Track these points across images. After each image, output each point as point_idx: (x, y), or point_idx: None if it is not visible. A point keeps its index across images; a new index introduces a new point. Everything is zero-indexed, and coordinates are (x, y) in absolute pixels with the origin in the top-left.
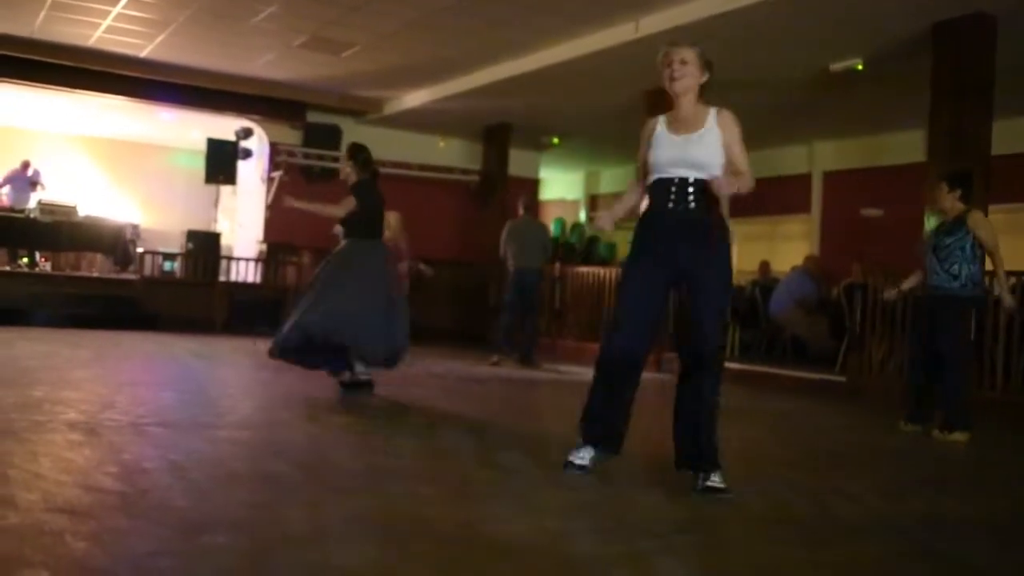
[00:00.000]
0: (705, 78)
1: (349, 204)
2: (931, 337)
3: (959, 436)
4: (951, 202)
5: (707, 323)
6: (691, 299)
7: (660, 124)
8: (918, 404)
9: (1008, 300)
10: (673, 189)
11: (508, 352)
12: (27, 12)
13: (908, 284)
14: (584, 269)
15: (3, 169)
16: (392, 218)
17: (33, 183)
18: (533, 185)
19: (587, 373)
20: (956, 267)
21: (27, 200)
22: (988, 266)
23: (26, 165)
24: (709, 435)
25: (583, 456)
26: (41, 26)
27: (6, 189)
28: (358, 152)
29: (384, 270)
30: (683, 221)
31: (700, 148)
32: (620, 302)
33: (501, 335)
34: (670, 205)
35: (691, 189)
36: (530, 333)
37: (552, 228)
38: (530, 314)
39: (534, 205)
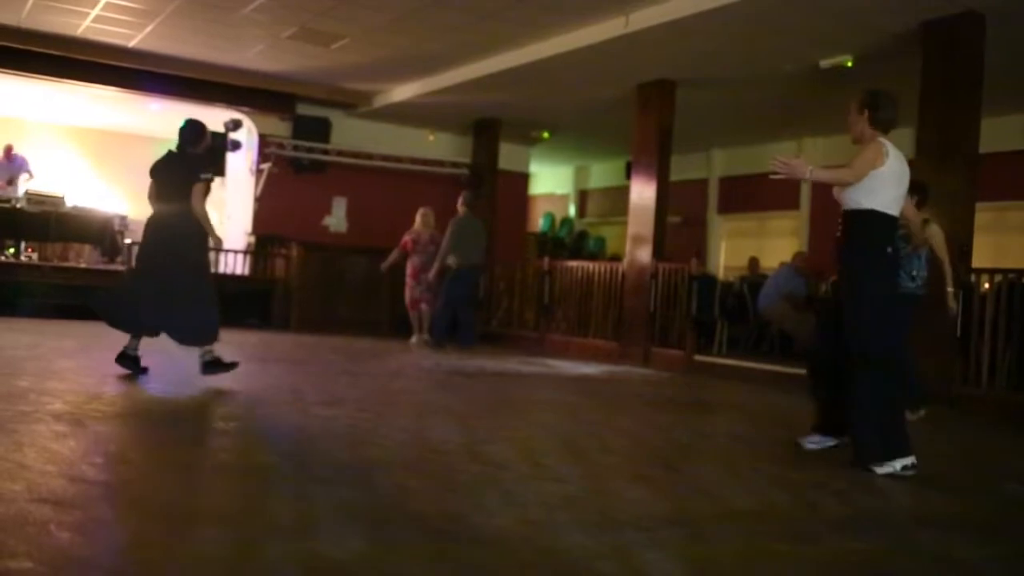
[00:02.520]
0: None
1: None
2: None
3: (912, 415)
4: (912, 212)
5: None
6: None
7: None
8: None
9: (952, 308)
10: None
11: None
12: (14, 1)
13: None
14: (573, 264)
15: None
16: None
17: (17, 171)
18: (523, 179)
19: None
20: (915, 271)
21: (12, 190)
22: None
23: (8, 150)
24: None
25: None
26: (29, 15)
27: None
28: None
29: None
30: None
31: None
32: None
33: (442, 327)
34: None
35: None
36: (471, 323)
37: (542, 223)
38: (471, 307)
39: (477, 202)
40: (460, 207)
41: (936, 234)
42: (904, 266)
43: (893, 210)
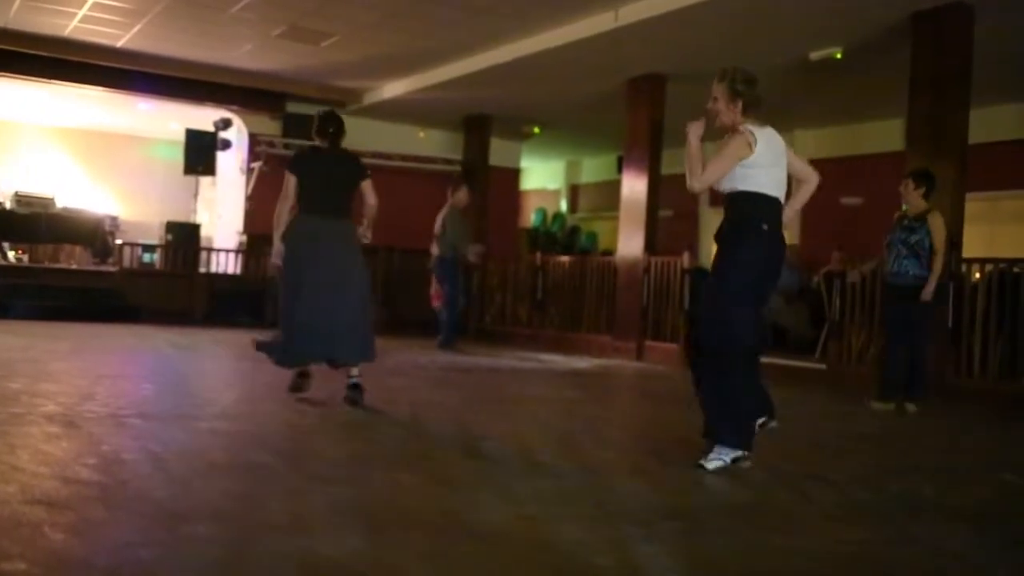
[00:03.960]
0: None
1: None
2: (907, 322)
3: (913, 407)
4: (915, 198)
5: None
6: None
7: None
8: (892, 384)
9: (928, 293)
10: None
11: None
12: (1, 1)
13: (868, 267)
14: (565, 259)
15: None
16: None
17: None
18: (514, 175)
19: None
20: (925, 260)
21: None
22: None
23: None
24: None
25: None
26: (16, 16)
27: None
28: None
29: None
30: None
31: None
32: None
33: (455, 323)
34: None
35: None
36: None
37: (534, 218)
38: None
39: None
40: (451, 198)
41: (938, 226)
42: (913, 257)
43: (771, 191)
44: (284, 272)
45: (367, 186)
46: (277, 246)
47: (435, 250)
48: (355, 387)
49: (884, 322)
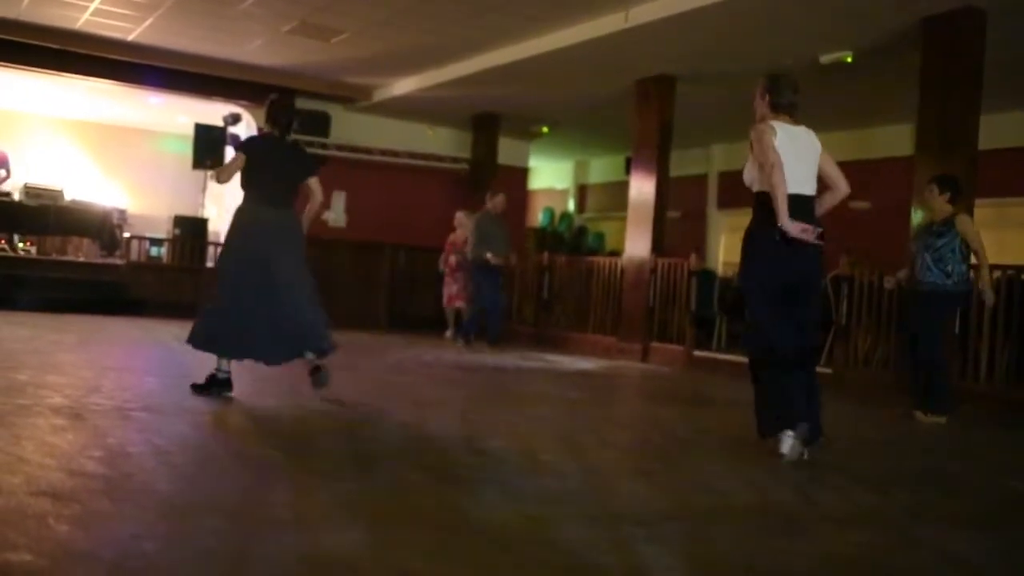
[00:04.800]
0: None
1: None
2: (923, 327)
3: (939, 419)
4: (940, 204)
5: None
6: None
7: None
8: (920, 390)
9: (990, 297)
10: None
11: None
12: None
13: (903, 274)
14: (572, 259)
15: None
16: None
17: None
18: (522, 174)
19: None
20: (950, 267)
21: None
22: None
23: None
24: None
25: None
26: (27, 8)
27: None
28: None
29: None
30: None
31: None
32: None
33: (474, 323)
34: None
35: None
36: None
37: (541, 217)
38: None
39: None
40: (487, 204)
41: (968, 227)
42: (938, 262)
43: (793, 187)
44: (228, 261)
45: (315, 182)
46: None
47: (468, 254)
48: (318, 369)
49: (907, 329)
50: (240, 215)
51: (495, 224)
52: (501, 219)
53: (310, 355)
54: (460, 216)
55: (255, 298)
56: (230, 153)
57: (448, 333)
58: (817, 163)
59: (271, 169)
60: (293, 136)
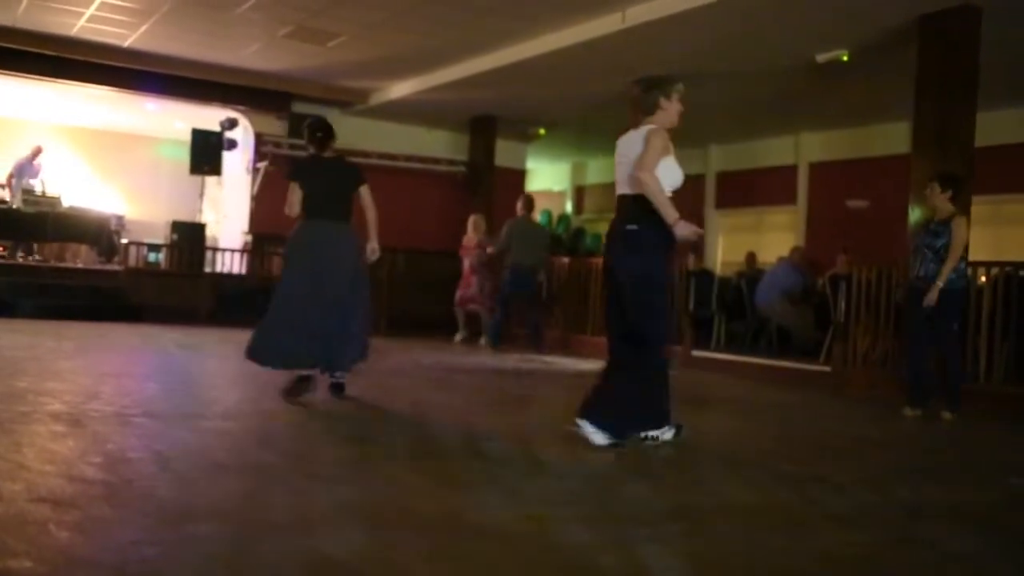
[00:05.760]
0: None
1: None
2: (927, 324)
3: (949, 415)
4: (942, 202)
5: None
6: None
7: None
8: (920, 389)
9: (934, 295)
10: None
11: (496, 344)
12: (9, 0)
13: (900, 296)
14: (570, 260)
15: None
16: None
17: (33, 175)
18: (519, 176)
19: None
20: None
21: (10, 190)
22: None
23: (37, 152)
24: None
25: None
26: (23, 15)
27: (15, 180)
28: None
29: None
30: None
31: None
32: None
33: (496, 328)
34: None
35: None
36: (535, 323)
37: (538, 219)
38: (533, 308)
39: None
40: (519, 210)
41: (959, 230)
42: (939, 262)
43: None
44: (287, 275)
45: (365, 191)
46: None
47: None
48: (339, 387)
49: (907, 327)
50: (297, 232)
51: (528, 229)
52: (535, 224)
53: (339, 373)
54: (474, 219)
55: (305, 311)
56: (227, 158)
57: (458, 336)
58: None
59: (319, 186)
60: (334, 151)
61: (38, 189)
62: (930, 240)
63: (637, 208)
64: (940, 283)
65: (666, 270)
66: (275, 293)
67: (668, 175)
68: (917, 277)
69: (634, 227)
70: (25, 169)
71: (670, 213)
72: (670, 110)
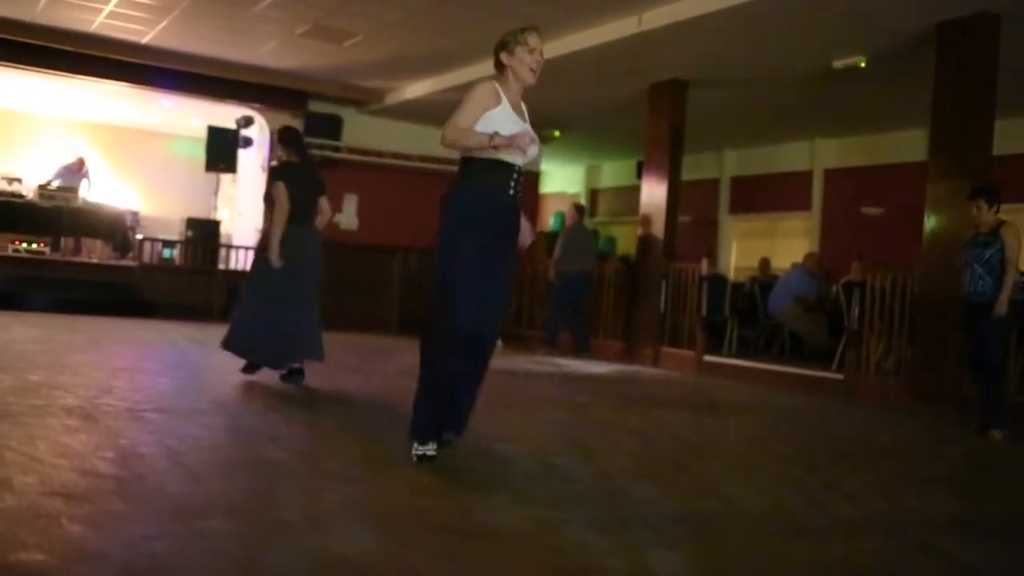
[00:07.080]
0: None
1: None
2: (979, 339)
3: (998, 434)
4: (991, 217)
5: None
6: None
7: (504, 99)
8: (1003, 406)
9: (1002, 306)
10: (515, 176)
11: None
12: None
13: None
14: None
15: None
16: None
17: (79, 179)
18: (534, 178)
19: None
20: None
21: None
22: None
23: (81, 163)
24: None
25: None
26: (43, 11)
27: (57, 181)
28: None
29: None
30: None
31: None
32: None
33: (553, 329)
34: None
35: (520, 179)
36: (583, 326)
37: (552, 222)
38: (580, 312)
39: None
40: (571, 218)
41: (1012, 238)
42: (991, 273)
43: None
44: (271, 275)
45: (325, 200)
46: (277, 251)
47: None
48: (299, 372)
49: (965, 351)
50: (284, 236)
51: (583, 237)
52: (587, 231)
53: (298, 364)
54: None
55: (279, 309)
56: (242, 156)
57: None
58: None
59: (299, 191)
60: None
61: (83, 192)
62: (979, 252)
63: (456, 175)
64: (1006, 294)
65: (473, 244)
66: (251, 289)
67: (494, 127)
68: (971, 293)
69: (444, 193)
70: (67, 178)
71: (480, 140)
72: (515, 63)
